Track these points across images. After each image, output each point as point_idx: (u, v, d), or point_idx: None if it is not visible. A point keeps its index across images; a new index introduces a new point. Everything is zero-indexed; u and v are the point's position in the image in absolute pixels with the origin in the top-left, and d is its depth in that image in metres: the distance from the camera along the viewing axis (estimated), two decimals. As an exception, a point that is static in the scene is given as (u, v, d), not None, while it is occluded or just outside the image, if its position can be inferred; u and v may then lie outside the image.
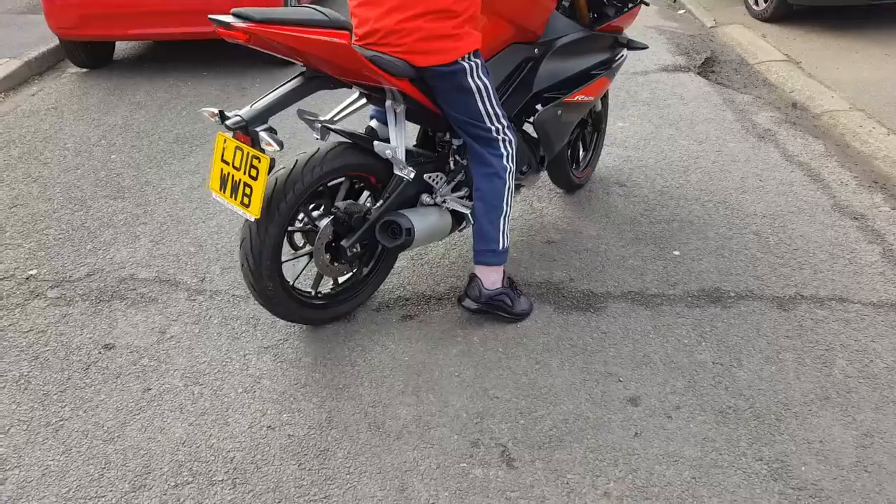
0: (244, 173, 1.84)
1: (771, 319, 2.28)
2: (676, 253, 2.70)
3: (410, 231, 2.07)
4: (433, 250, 2.76)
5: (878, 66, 4.49)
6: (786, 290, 2.44)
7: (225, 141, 1.89)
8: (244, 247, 1.99)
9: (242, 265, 2.02)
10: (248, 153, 1.83)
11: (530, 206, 3.10)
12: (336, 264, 2.17)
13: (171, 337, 2.30)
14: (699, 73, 4.70)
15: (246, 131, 1.83)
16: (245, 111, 1.85)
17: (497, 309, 2.24)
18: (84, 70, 5.08)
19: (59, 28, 4.71)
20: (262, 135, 1.80)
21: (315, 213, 2.12)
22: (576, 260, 2.67)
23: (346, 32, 1.78)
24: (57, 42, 5.08)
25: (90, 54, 5.02)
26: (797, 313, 2.31)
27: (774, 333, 2.21)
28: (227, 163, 1.89)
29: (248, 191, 1.84)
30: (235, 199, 1.87)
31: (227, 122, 1.82)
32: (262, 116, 1.84)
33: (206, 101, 4.40)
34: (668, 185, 3.25)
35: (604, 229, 2.89)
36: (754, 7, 5.57)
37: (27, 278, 2.68)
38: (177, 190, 3.32)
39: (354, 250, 2.15)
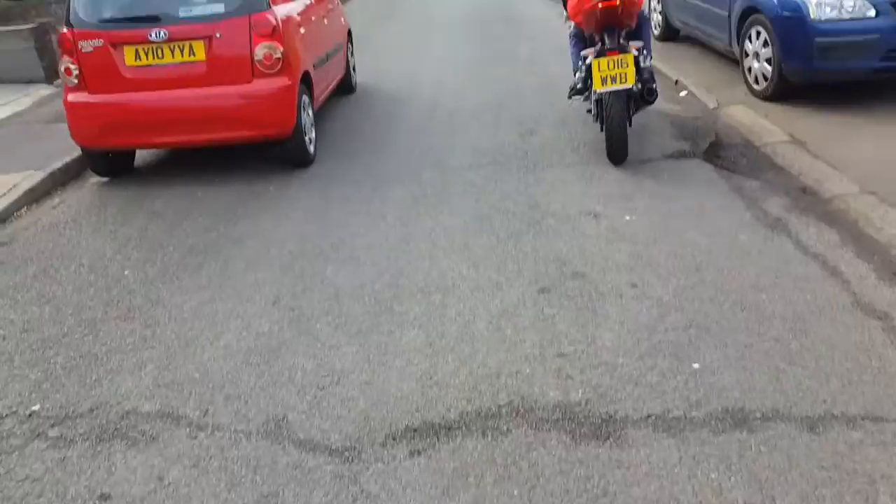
0: (617, 67, 4.14)
1: (802, 445, 2.14)
2: (696, 366, 2.58)
3: None
4: (443, 367, 2.67)
5: (884, 145, 4.46)
6: (814, 407, 2.31)
7: (598, 63, 4.19)
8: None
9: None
10: (619, 58, 4.13)
11: (541, 311, 3.02)
12: None
13: (169, 483, 2.20)
14: (705, 160, 4.68)
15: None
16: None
17: None
18: (105, 179, 5.16)
19: (82, 138, 4.84)
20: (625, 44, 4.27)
21: None
22: (591, 376, 2.57)
23: None
24: (80, 152, 5.17)
25: (111, 164, 5.13)
26: (829, 436, 2.17)
27: (808, 464, 2.07)
28: (603, 70, 4.16)
29: (622, 77, 4.15)
30: (616, 83, 4.15)
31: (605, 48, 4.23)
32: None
33: (221, 207, 4.45)
34: (681, 284, 3.16)
35: (618, 338, 2.79)
36: (755, 86, 5.61)
37: (30, 415, 2.62)
38: (187, 307, 3.29)
39: None
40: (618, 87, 4.18)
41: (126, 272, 3.70)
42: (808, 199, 3.97)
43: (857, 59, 4.83)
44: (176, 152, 5.66)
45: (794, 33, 4.98)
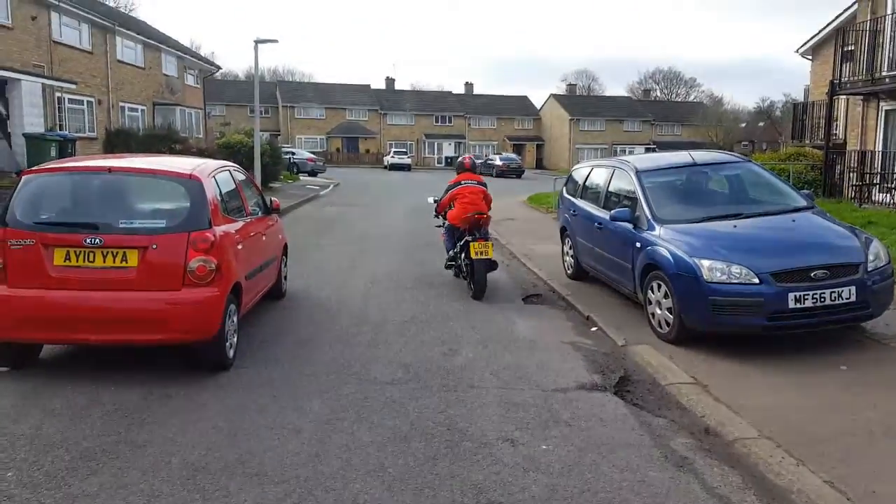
0: (484, 247, 7.68)
1: None
2: None
3: None
4: None
5: (779, 391, 4.83)
6: None
7: (474, 245, 7.64)
8: None
9: None
10: (486, 243, 7.75)
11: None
12: None
13: None
14: (615, 393, 4.91)
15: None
16: None
17: None
18: (4, 369, 4.86)
19: None
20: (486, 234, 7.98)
21: None
22: None
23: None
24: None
25: (15, 354, 4.86)
26: None
27: None
28: (476, 248, 7.63)
29: (486, 251, 7.66)
30: (483, 255, 7.59)
31: (476, 238, 7.76)
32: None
33: (125, 408, 4.20)
34: (595, 522, 3.14)
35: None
36: (659, 329, 6.12)
37: None
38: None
39: None
40: (484, 257, 7.65)
41: (9, 474, 3.35)
42: (711, 439, 4.16)
43: (746, 317, 5.40)
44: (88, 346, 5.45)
45: (690, 290, 5.59)
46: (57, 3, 19.50)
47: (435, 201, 8.84)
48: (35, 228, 4.66)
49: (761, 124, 76.58)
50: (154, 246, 4.66)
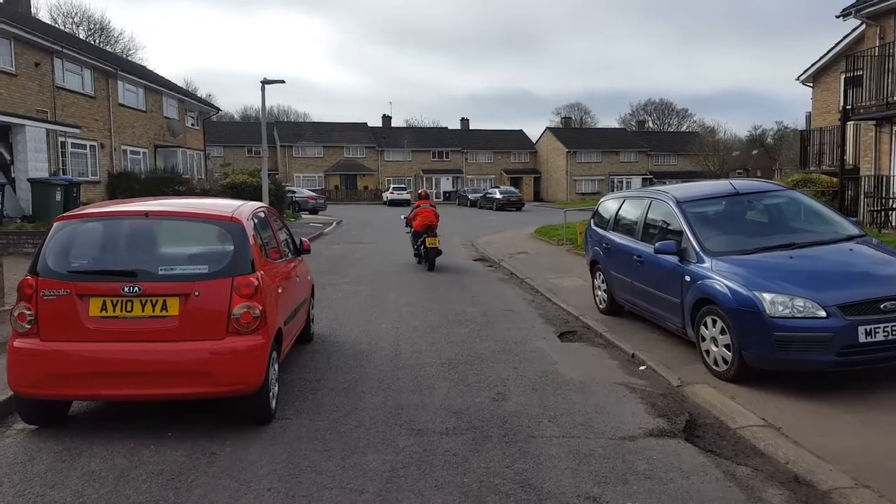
0: (435, 240, 13.54)
1: None
2: None
3: None
4: None
5: (860, 433, 4.53)
6: None
7: (428, 239, 13.41)
8: None
9: None
10: (436, 238, 13.57)
11: None
12: None
13: None
14: (686, 440, 4.60)
15: None
16: None
17: None
18: (34, 427, 4.53)
19: (22, 385, 4.31)
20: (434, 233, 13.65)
21: None
22: None
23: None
24: (8, 394, 4.59)
25: (45, 412, 4.53)
26: None
27: None
28: (430, 241, 13.40)
29: (436, 243, 13.55)
30: (436, 245, 13.47)
31: (430, 235, 13.42)
32: None
33: (170, 470, 3.87)
34: None
35: None
36: (715, 367, 5.81)
37: None
38: None
39: None
40: (433, 246, 13.19)
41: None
42: (805, 490, 3.84)
43: (814, 353, 5.11)
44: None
45: (751, 326, 5.29)
46: (60, 49, 19.54)
47: (404, 217, 14.81)
48: (69, 278, 4.38)
49: (755, 152, 77.30)
50: (196, 293, 4.38)
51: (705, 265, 5.98)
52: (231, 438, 4.39)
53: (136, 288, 4.31)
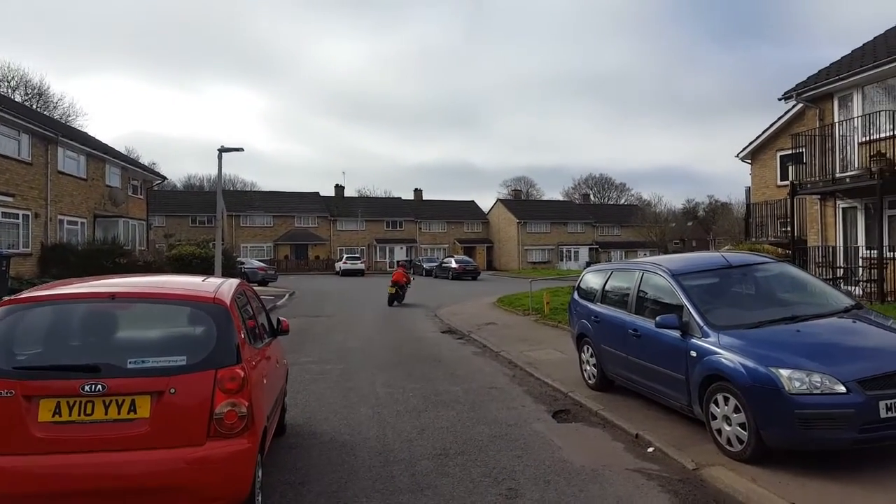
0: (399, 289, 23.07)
1: None
2: None
3: None
4: None
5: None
6: None
7: (394, 289, 23.05)
8: None
9: None
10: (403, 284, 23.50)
11: None
12: None
13: None
14: (725, 534, 4.22)
15: None
16: None
17: None
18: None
19: None
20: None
21: None
22: None
23: None
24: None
25: None
26: None
27: None
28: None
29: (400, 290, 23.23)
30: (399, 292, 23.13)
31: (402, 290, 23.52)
32: None
33: None
34: None
35: None
36: (728, 447, 5.52)
37: None
38: None
39: None
40: (391, 292, 23.16)
41: None
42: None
43: (836, 431, 4.90)
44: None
45: (770, 404, 5.08)
46: (-7, 112, 18.56)
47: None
48: (14, 375, 3.69)
49: (689, 224, 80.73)
50: (172, 390, 3.76)
51: (711, 339, 5.78)
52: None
53: (99, 386, 3.68)
